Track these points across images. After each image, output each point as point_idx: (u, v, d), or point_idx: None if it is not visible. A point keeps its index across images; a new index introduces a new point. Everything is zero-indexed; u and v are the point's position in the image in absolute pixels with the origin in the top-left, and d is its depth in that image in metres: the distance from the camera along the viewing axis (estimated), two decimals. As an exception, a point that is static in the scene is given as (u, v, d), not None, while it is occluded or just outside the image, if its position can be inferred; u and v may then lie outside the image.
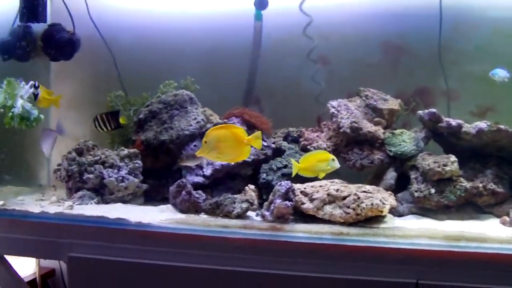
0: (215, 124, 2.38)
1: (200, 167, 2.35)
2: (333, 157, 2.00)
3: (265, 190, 2.25)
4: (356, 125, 2.28)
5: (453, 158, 2.09)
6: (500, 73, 2.28)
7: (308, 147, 2.38)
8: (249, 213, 2.12)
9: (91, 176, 2.31)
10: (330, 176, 2.08)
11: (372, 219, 1.97)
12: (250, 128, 2.38)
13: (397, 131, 2.33)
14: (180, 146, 2.40)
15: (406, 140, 2.28)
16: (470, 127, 2.12)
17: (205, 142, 1.91)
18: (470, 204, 2.10)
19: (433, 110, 2.22)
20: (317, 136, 2.43)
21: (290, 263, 1.83)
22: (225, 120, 2.43)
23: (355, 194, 1.98)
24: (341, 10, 2.66)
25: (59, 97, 2.37)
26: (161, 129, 2.43)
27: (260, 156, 2.35)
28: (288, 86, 2.71)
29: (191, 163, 2.30)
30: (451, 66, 2.53)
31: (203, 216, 2.12)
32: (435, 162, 2.09)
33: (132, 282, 1.94)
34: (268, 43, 2.73)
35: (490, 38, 2.49)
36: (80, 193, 2.29)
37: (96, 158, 2.35)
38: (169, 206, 2.25)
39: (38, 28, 2.55)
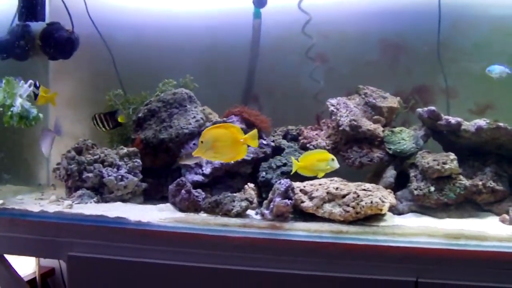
0: (214, 123, 2.38)
1: (199, 165, 2.35)
2: (333, 157, 2.00)
3: (264, 188, 2.26)
4: (355, 123, 2.28)
5: (452, 156, 2.09)
6: (496, 70, 2.28)
7: (308, 145, 2.38)
8: (249, 211, 2.12)
9: (90, 175, 2.31)
10: (330, 174, 2.08)
11: (371, 217, 1.98)
12: (250, 126, 2.38)
13: (397, 129, 2.33)
14: (179, 145, 2.40)
15: (405, 138, 2.28)
16: (469, 125, 2.12)
17: (202, 142, 1.91)
18: (469, 202, 2.10)
19: (432, 108, 2.22)
20: (316, 134, 2.43)
21: (289, 262, 1.83)
22: (224, 119, 2.43)
23: (355, 192, 1.98)
24: (340, 8, 2.65)
25: (55, 95, 2.38)
26: (160, 128, 2.43)
27: (260, 155, 2.35)
28: (287, 84, 2.71)
29: (190, 162, 2.31)
30: (450, 64, 2.53)
31: (202, 215, 2.12)
32: (434, 160, 2.09)
33: (132, 281, 1.94)
34: (267, 41, 2.73)
35: (489, 36, 2.49)
36: (79, 192, 2.29)
37: (95, 157, 2.35)
38: (168, 205, 2.25)
39: (36, 27, 2.54)
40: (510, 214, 1.97)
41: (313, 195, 2.03)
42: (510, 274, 1.68)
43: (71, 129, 2.81)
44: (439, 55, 2.53)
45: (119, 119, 2.40)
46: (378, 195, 1.98)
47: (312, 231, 1.90)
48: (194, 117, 2.45)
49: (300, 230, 1.91)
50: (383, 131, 2.33)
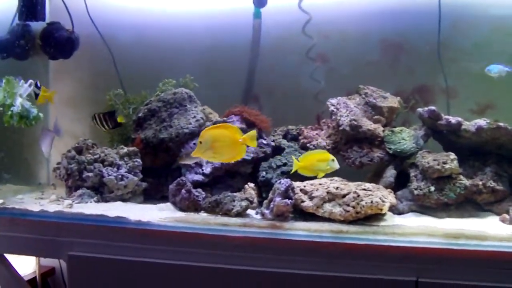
0: (215, 123, 2.39)
1: (199, 165, 2.35)
2: (333, 157, 2.01)
3: (264, 188, 2.25)
4: (355, 123, 2.28)
5: (452, 155, 2.09)
6: (495, 69, 2.28)
7: (308, 145, 2.38)
8: (249, 211, 2.12)
9: (90, 174, 2.31)
10: (330, 174, 2.08)
11: (371, 217, 1.98)
12: (250, 126, 2.38)
13: (397, 129, 2.33)
14: (179, 145, 2.40)
15: (405, 138, 2.28)
16: (469, 125, 2.12)
17: (200, 142, 1.91)
18: (469, 202, 2.10)
19: (433, 107, 2.22)
20: (316, 134, 2.43)
21: (289, 261, 1.83)
22: (225, 119, 2.43)
23: (355, 192, 1.98)
24: (340, 8, 2.65)
25: (53, 93, 2.38)
26: (160, 128, 2.43)
27: (260, 154, 2.35)
28: (287, 84, 2.71)
29: (190, 161, 2.31)
30: (450, 64, 2.53)
31: (202, 214, 2.12)
32: (434, 160, 2.09)
33: (132, 280, 1.94)
34: (267, 41, 2.73)
35: (489, 36, 2.49)
36: (79, 191, 2.29)
37: (95, 156, 2.35)
38: (168, 204, 2.25)
39: (37, 26, 2.54)
40: (510, 214, 1.97)
41: (313, 194, 2.02)
42: (510, 274, 1.68)
43: (71, 128, 2.81)
44: (440, 55, 2.53)
45: (118, 120, 2.41)
46: (378, 194, 1.98)
47: (312, 231, 1.90)
48: (194, 116, 2.45)
49: (300, 230, 1.91)
50: (383, 131, 2.33)
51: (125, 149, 2.38)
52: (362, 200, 1.95)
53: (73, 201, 2.23)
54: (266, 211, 2.03)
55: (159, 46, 2.80)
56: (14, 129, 2.29)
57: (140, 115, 2.49)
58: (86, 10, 2.72)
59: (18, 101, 2.24)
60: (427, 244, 1.77)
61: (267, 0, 2.61)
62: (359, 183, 2.10)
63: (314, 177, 2.07)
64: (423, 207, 2.12)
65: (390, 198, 2.02)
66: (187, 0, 2.81)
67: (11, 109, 2.23)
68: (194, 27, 2.78)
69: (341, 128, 2.30)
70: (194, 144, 2.36)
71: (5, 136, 2.50)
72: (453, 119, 2.16)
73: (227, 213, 2.08)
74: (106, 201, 2.30)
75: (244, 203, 2.09)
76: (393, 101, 2.43)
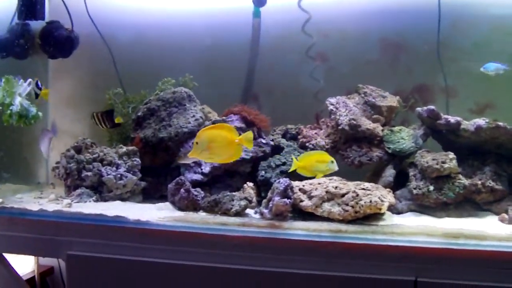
0: (214, 122, 2.39)
1: (198, 164, 2.35)
2: (333, 159, 2.01)
3: (263, 187, 2.25)
4: (354, 122, 2.28)
5: (451, 155, 2.09)
6: (491, 67, 2.28)
7: (307, 144, 2.38)
8: (248, 210, 2.12)
9: (89, 174, 2.31)
10: (329, 173, 2.08)
11: (370, 217, 1.97)
12: (249, 125, 2.38)
13: (396, 128, 2.33)
14: (178, 144, 2.39)
15: (404, 137, 2.28)
16: (468, 124, 2.12)
17: (197, 143, 1.91)
18: (468, 201, 2.10)
19: (432, 107, 2.21)
20: (315, 133, 2.43)
21: (288, 261, 1.83)
22: (224, 118, 2.43)
23: (354, 192, 1.98)
24: (340, 7, 2.65)
25: (47, 91, 2.38)
26: (159, 127, 2.43)
27: (259, 154, 2.35)
28: (286, 83, 2.71)
29: (189, 161, 2.30)
30: (450, 63, 2.53)
31: (201, 214, 2.12)
32: (433, 159, 2.09)
33: (131, 280, 1.94)
34: (267, 40, 2.73)
35: (488, 35, 2.49)
36: (78, 191, 2.29)
37: (94, 155, 2.35)
38: (167, 203, 2.25)
39: (36, 25, 2.54)
40: (509, 214, 1.97)
41: (312, 194, 2.02)
42: (509, 274, 1.68)
43: (71, 127, 2.81)
44: (439, 55, 2.53)
45: (116, 121, 2.41)
46: (377, 194, 1.98)
47: (311, 230, 1.90)
48: (194, 116, 2.45)
49: (299, 229, 1.91)
50: (382, 130, 2.33)
51: (124, 148, 2.38)
52: (361, 200, 1.95)
53: (72, 201, 2.24)
54: (265, 211, 2.03)
55: (159, 45, 2.79)
56: (13, 128, 2.29)
57: (139, 114, 2.49)
58: (85, 9, 2.72)
59: (17, 100, 2.24)
60: (426, 244, 1.77)
61: (267, -1, 2.61)
62: (358, 182, 2.10)
63: (313, 178, 2.07)
64: (422, 206, 2.12)
65: (389, 197, 2.02)
66: (186, -1, 2.82)
67: (10, 108, 2.23)
68: (193, 26, 2.77)
69: (340, 127, 2.29)
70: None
71: (4, 135, 2.50)
72: (452, 119, 2.16)
73: (226, 213, 2.08)
74: (105, 201, 2.30)
75: (243, 203, 2.09)
76: (392, 101, 2.43)
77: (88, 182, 2.31)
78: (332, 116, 2.35)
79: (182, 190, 2.17)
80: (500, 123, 2.06)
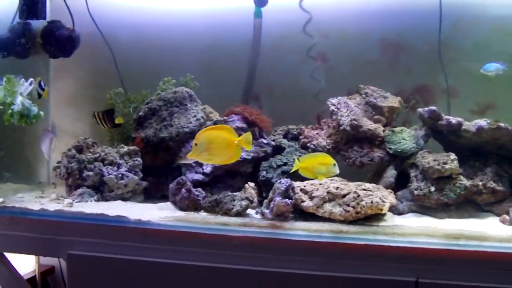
0: (215, 122, 2.39)
1: (200, 164, 2.35)
2: (335, 162, 2.00)
3: (265, 187, 2.25)
4: (356, 122, 2.28)
5: (453, 156, 2.09)
6: (491, 67, 2.28)
7: (308, 144, 2.38)
8: (249, 211, 2.12)
9: (90, 173, 2.31)
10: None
11: (371, 217, 1.97)
12: (250, 125, 2.38)
13: (397, 129, 2.33)
14: (179, 144, 2.39)
15: (406, 138, 2.28)
16: (470, 125, 2.12)
17: (196, 144, 1.90)
18: (469, 202, 2.10)
19: (433, 107, 2.22)
20: (317, 133, 2.43)
21: (289, 261, 1.83)
22: (225, 118, 2.43)
23: (355, 192, 1.98)
24: (341, 7, 2.65)
25: (47, 90, 2.37)
26: (160, 127, 2.43)
27: (260, 154, 2.35)
28: (287, 83, 2.71)
29: (190, 161, 2.30)
30: (451, 64, 2.53)
31: (202, 214, 2.12)
32: (435, 160, 2.09)
33: (132, 279, 1.94)
34: (268, 40, 2.73)
35: (489, 36, 2.49)
36: (79, 190, 2.29)
37: (95, 155, 2.35)
38: (168, 203, 2.25)
39: (37, 25, 2.54)
40: (511, 215, 1.97)
41: (313, 194, 2.02)
42: (510, 275, 1.68)
43: (72, 127, 2.81)
44: (440, 55, 2.53)
45: (116, 121, 2.41)
46: (379, 195, 1.98)
47: (312, 231, 1.90)
48: (195, 116, 2.45)
49: (300, 230, 1.91)
50: (383, 130, 2.33)
51: (126, 148, 2.38)
52: (362, 200, 1.95)
53: (73, 200, 2.24)
54: (266, 211, 2.03)
55: (160, 44, 2.79)
56: (14, 127, 2.29)
57: (140, 114, 2.49)
58: (87, 9, 2.72)
59: (19, 99, 2.24)
60: (427, 245, 1.77)
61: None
62: (359, 183, 2.11)
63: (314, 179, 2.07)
64: (423, 207, 2.12)
65: (390, 198, 2.02)
66: (188, -2, 2.82)
67: (12, 107, 2.22)
68: (194, 26, 2.77)
69: (341, 127, 2.30)
70: (195, 143, 2.37)
71: (6, 134, 2.50)
72: (453, 119, 2.16)
73: (227, 213, 2.08)
74: (106, 200, 2.30)
75: (244, 203, 2.09)
76: (393, 101, 2.43)
77: (89, 182, 2.32)
78: (334, 117, 2.35)
79: (183, 190, 2.17)
80: (502, 124, 2.06)
